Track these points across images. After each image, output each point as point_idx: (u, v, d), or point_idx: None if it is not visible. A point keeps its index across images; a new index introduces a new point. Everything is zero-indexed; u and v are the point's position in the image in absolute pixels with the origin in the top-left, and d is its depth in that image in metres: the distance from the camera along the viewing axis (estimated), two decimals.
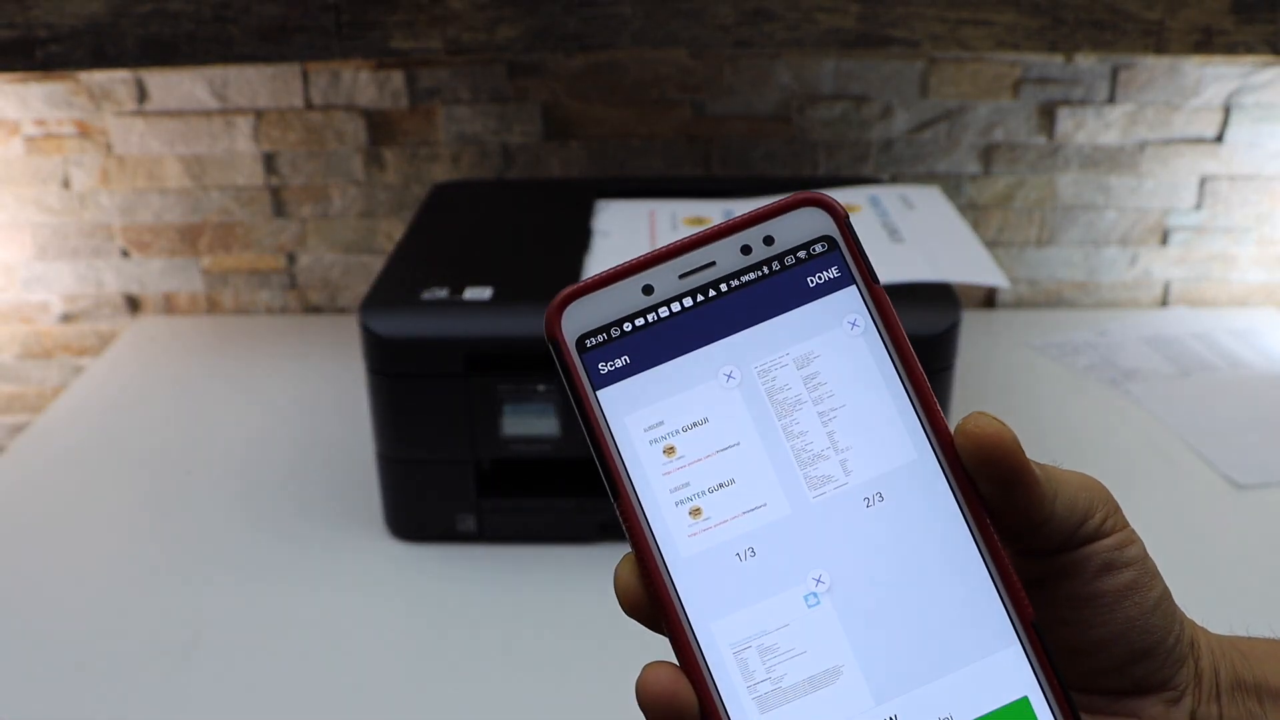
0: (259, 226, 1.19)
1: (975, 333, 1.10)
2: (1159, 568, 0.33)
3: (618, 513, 0.30)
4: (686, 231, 0.96)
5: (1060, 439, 0.95)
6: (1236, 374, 1.05)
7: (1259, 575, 0.80)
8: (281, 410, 1.02)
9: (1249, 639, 0.35)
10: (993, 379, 1.06)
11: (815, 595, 0.30)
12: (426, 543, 0.84)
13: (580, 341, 0.31)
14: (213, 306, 1.23)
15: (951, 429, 0.31)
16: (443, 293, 0.81)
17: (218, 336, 1.18)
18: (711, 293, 0.31)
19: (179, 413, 1.03)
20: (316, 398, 1.04)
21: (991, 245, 1.18)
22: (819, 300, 0.31)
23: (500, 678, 0.72)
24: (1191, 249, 1.18)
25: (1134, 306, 1.21)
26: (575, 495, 0.82)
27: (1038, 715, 0.30)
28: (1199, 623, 0.35)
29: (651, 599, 0.30)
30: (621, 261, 0.31)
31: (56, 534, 0.86)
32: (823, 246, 0.32)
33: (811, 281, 0.31)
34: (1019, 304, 1.22)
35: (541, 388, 0.78)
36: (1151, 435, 0.96)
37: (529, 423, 0.79)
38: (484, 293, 0.80)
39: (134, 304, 1.23)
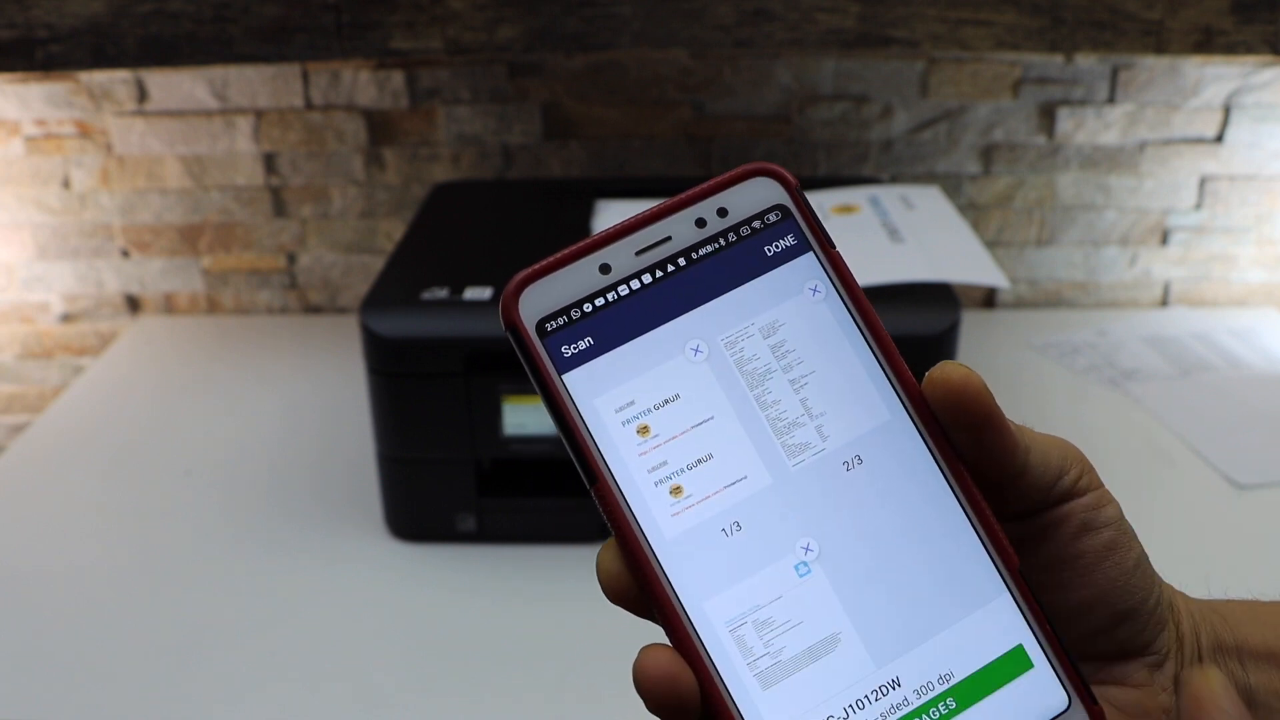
0: (259, 226, 1.19)
1: (975, 333, 1.10)
2: (1160, 568, 0.33)
3: (595, 499, 0.30)
4: None
5: None
6: (1236, 374, 1.05)
7: (1259, 575, 0.79)
8: (281, 410, 1.02)
9: (1226, 601, 0.36)
10: (993, 379, 1.05)
11: (805, 564, 0.30)
12: (426, 543, 0.84)
13: (540, 326, 0.30)
14: (213, 306, 1.23)
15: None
16: (443, 293, 0.81)
17: (218, 336, 1.18)
18: (670, 268, 0.31)
19: (179, 413, 1.03)
20: (316, 398, 1.04)
21: (991, 245, 1.18)
22: (778, 269, 0.31)
23: (500, 677, 0.72)
24: (1191, 249, 1.18)
25: (1134, 306, 1.21)
26: (575, 495, 0.82)
27: (1033, 660, 0.30)
28: None
29: (639, 584, 0.29)
30: (578, 242, 0.31)
31: (56, 534, 0.86)
32: (776, 215, 0.32)
33: (769, 250, 0.31)
34: (1019, 304, 1.22)
35: None
36: (1151, 435, 0.96)
37: (529, 423, 0.80)
38: (484, 293, 0.80)
39: (134, 304, 1.23)
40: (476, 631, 0.76)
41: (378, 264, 1.19)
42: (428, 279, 0.83)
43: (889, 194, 0.97)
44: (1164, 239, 1.18)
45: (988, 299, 1.21)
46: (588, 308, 0.30)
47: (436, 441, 0.81)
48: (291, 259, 1.20)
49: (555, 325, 0.30)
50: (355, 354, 0.94)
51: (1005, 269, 1.19)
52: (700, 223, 0.31)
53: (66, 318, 1.23)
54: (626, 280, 0.31)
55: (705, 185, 0.31)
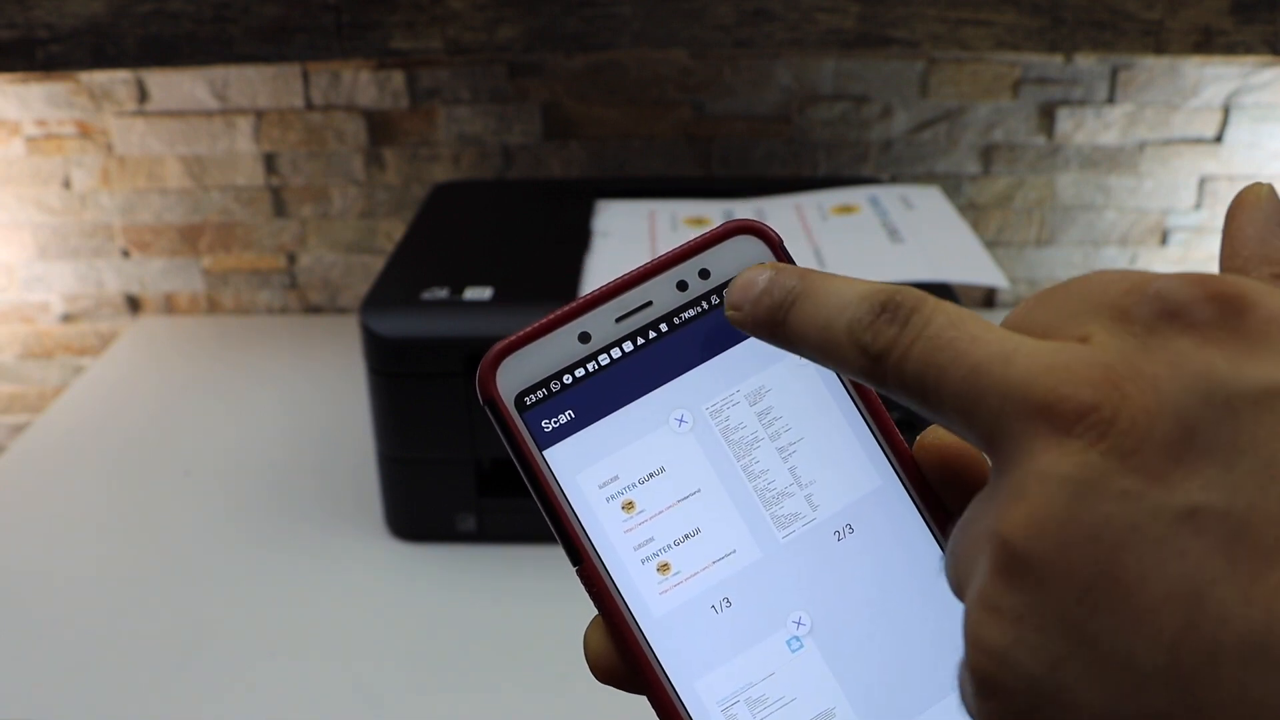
0: (259, 226, 1.19)
1: None
2: None
3: (580, 579, 0.29)
4: (688, 232, 0.96)
5: None
6: None
7: None
8: (281, 410, 1.03)
9: None
10: None
11: (798, 638, 0.29)
12: (426, 543, 0.84)
13: (519, 400, 0.29)
14: (213, 306, 1.23)
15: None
16: (443, 293, 0.81)
17: (218, 336, 1.18)
18: (652, 334, 0.30)
19: (179, 413, 1.03)
20: (316, 398, 1.04)
21: (991, 245, 1.18)
22: None
23: (500, 678, 0.72)
24: (1191, 249, 1.18)
25: None
26: None
27: None
28: None
29: (628, 664, 0.29)
30: (556, 310, 0.30)
31: (56, 534, 0.86)
32: None
33: None
34: (1019, 304, 1.21)
35: None
36: None
37: None
38: (484, 293, 0.80)
39: (134, 304, 1.23)
40: (476, 631, 0.76)
41: (378, 264, 1.19)
42: (428, 279, 0.83)
43: (889, 194, 0.97)
44: (1164, 239, 1.18)
45: (988, 299, 1.21)
46: (568, 379, 0.29)
47: (436, 441, 0.81)
48: (291, 259, 1.20)
49: (535, 399, 0.29)
50: (355, 354, 0.94)
51: (1005, 269, 1.19)
52: (682, 285, 0.30)
53: (67, 318, 1.23)
54: (607, 349, 0.29)
55: (686, 245, 0.30)
